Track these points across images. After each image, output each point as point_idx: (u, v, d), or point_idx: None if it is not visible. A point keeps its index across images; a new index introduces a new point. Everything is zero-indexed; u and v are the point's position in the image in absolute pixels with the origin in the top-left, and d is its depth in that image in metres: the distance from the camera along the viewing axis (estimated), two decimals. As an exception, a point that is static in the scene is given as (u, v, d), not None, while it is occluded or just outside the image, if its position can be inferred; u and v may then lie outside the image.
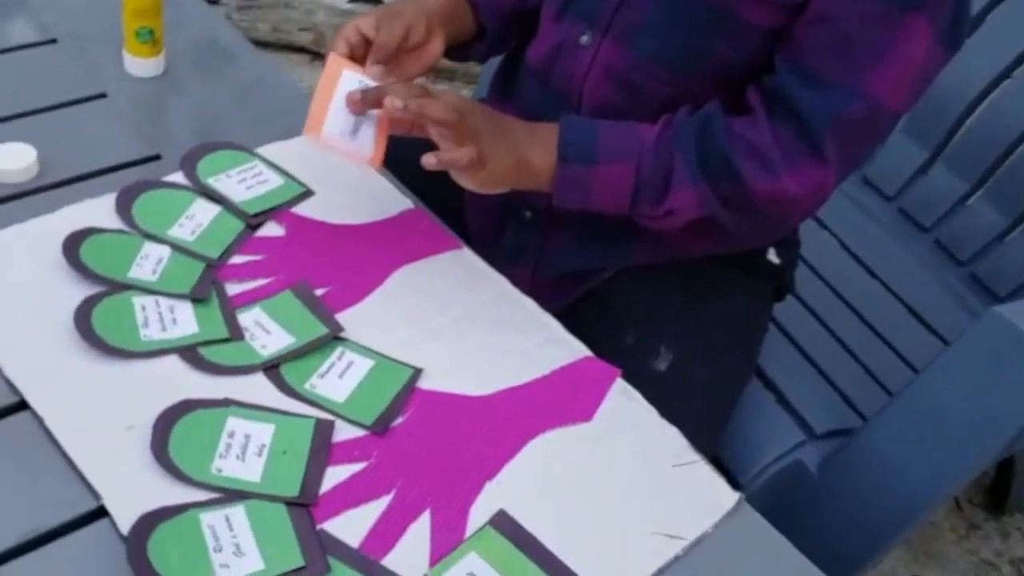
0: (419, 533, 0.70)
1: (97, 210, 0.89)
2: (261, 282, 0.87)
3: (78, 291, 0.81)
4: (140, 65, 1.08)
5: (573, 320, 0.94)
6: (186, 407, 0.74)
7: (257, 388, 0.77)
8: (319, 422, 0.75)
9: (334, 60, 0.89)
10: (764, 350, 1.08)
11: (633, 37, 0.91)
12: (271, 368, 0.79)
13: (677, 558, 0.73)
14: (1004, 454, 1.22)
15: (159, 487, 0.68)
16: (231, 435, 0.73)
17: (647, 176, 0.88)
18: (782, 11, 0.86)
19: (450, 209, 1.06)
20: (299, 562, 0.66)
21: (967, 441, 0.97)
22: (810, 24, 0.85)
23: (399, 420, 0.77)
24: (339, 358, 0.81)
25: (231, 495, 0.69)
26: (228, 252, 0.88)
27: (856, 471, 1.03)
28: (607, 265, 1.02)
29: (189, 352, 0.78)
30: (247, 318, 0.83)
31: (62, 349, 0.76)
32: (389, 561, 0.67)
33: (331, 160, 1.01)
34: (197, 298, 0.83)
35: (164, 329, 0.80)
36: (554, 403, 0.82)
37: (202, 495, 0.68)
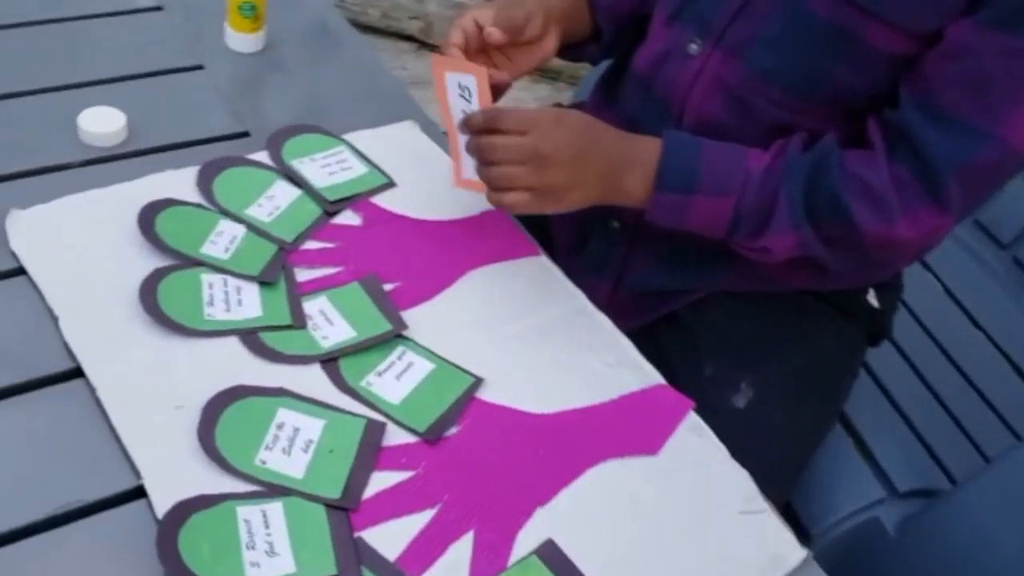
0: (460, 554, 0.66)
1: (178, 182, 0.88)
2: (331, 271, 0.84)
3: (148, 262, 0.80)
4: (240, 40, 1.07)
5: (650, 342, 0.90)
6: (239, 392, 0.72)
7: (312, 380, 0.75)
8: (370, 423, 0.72)
9: (436, 61, 0.85)
10: (852, 396, 1.02)
11: (747, 50, 0.85)
12: (329, 361, 0.76)
13: (732, 614, 0.68)
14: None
15: (200, 473, 0.66)
16: (280, 427, 0.70)
17: (747, 211, 0.84)
18: (912, 39, 0.79)
19: (534, 220, 1.03)
20: (332, 570, 0.63)
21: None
22: (944, 59, 0.78)
23: (453, 430, 0.74)
24: (399, 358, 0.78)
25: (272, 490, 0.66)
26: (302, 237, 0.86)
27: (940, 537, 0.95)
28: (692, 287, 0.96)
29: (250, 336, 0.77)
30: (312, 306, 0.80)
31: (123, 319, 0.75)
32: (425, 580, 0.64)
33: (418, 153, 0.99)
34: (265, 281, 0.81)
35: (228, 310, 0.78)
36: (619, 431, 0.78)
37: (242, 486, 0.66)
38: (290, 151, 0.94)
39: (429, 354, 0.79)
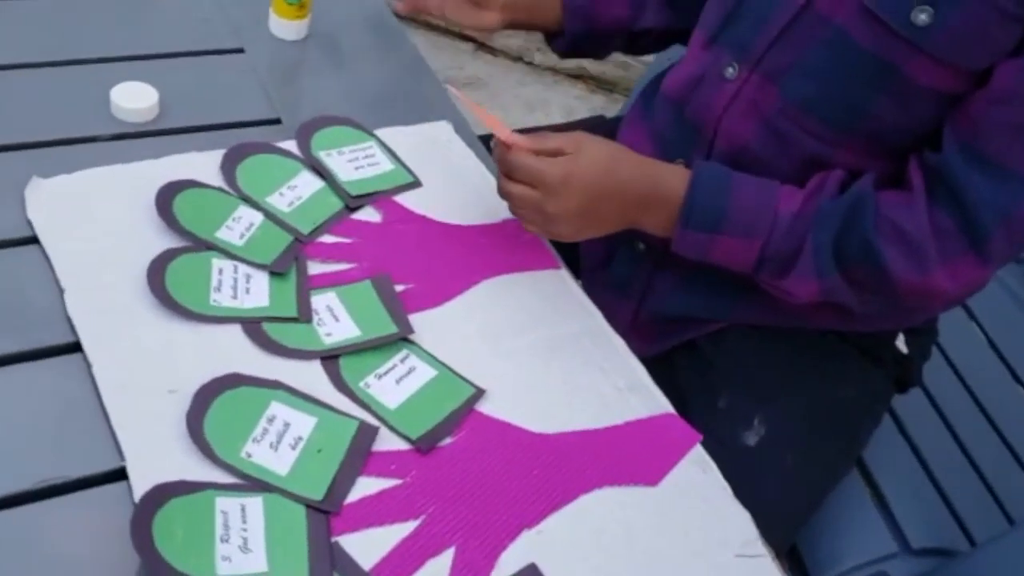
0: (439, 570, 0.64)
1: (202, 164, 0.88)
2: (344, 266, 0.83)
3: (161, 242, 0.79)
4: (284, 27, 1.06)
5: (666, 369, 0.87)
6: (233, 381, 0.71)
7: (310, 376, 0.73)
8: (362, 425, 0.71)
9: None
10: (872, 442, 0.98)
11: (784, 77, 0.82)
12: (330, 358, 0.75)
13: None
14: None
15: (184, 459, 0.65)
16: (270, 420, 0.69)
17: (772, 254, 0.82)
18: (959, 77, 0.76)
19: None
20: (303, 573, 0.61)
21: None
22: (990, 102, 0.75)
23: (447, 441, 0.72)
24: (402, 361, 0.76)
25: (254, 484, 0.65)
26: (319, 230, 0.85)
27: (951, 601, 0.92)
28: (714, 315, 0.94)
29: (253, 325, 0.75)
30: (320, 301, 0.79)
31: (128, 298, 0.74)
32: (398, 593, 0.62)
33: (449, 154, 0.98)
34: (276, 271, 0.80)
35: (235, 297, 0.77)
36: (621, 458, 0.75)
37: (224, 477, 0.65)
38: (319, 142, 0.93)
39: (433, 360, 0.77)
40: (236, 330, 0.75)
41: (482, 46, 2.54)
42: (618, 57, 2.48)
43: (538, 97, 2.46)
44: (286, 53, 1.06)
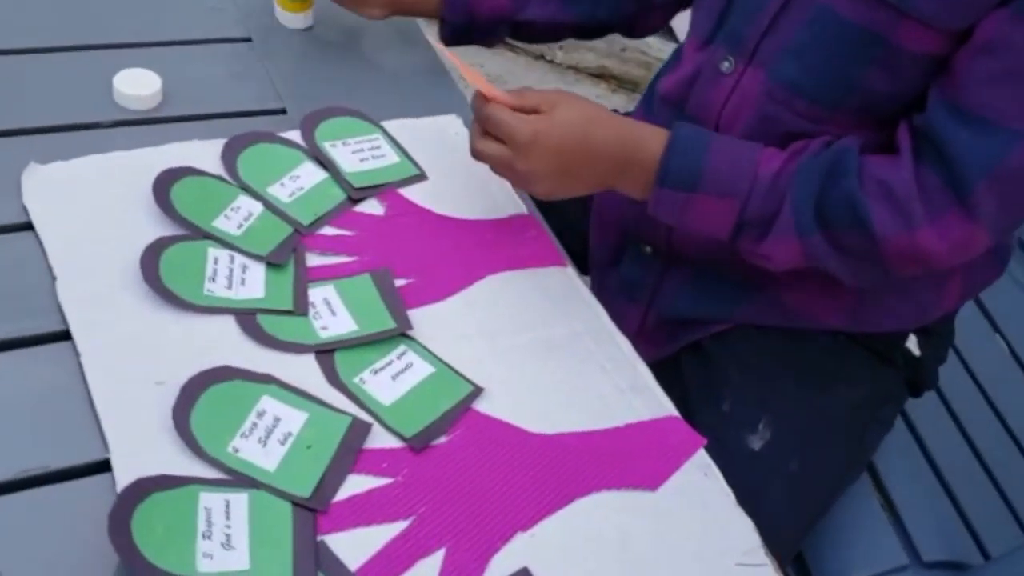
0: (427, 572, 0.62)
1: (203, 152, 0.86)
2: (344, 259, 0.81)
3: (156, 230, 0.78)
4: (286, 17, 1.05)
5: (671, 371, 0.85)
6: (223, 374, 0.69)
7: (304, 370, 0.72)
8: (355, 422, 0.69)
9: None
10: (884, 448, 0.95)
11: (776, 62, 0.81)
12: (325, 352, 0.73)
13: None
14: None
15: (168, 453, 0.64)
16: (260, 415, 0.67)
17: (751, 216, 0.79)
18: (945, 38, 0.74)
19: (572, 224, 0.99)
20: (287, 573, 0.59)
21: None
22: (974, 55, 0.73)
23: (441, 439, 0.70)
24: (399, 357, 0.74)
25: (239, 480, 0.63)
26: (320, 221, 0.84)
27: (965, 616, 0.89)
28: (721, 317, 0.91)
29: (247, 317, 0.74)
30: (317, 294, 0.77)
31: (120, 286, 0.73)
32: (385, 595, 0.60)
33: (456, 148, 0.96)
34: (273, 262, 0.78)
35: (230, 287, 0.76)
36: (620, 460, 0.73)
37: (210, 472, 0.63)
38: (324, 133, 0.92)
39: (431, 357, 0.75)
40: (229, 321, 0.73)
41: (503, 43, 2.52)
42: (640, 56, 2.45)
43: (558, 95, 2.44)
44: (294, 43, 1.05)
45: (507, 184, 0.93)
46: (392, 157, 0.92)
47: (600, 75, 2.50)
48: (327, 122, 0.93)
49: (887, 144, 0.80)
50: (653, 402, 0.78)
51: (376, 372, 0.73)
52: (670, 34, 2.47)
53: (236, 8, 1.06)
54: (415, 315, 0.78)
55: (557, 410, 0.75)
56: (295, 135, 0.91)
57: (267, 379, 0.70)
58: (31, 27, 0.95)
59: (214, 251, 0.77)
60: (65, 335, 0.70)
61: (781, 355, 0.89)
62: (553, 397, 0.76)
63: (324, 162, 0.89)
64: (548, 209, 0.92)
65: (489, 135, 0.80)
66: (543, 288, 0.85)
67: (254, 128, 0.90)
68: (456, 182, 0.92)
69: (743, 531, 0.71)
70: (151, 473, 0.62)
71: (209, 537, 0.60)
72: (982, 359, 1.18)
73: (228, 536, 0.60)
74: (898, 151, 0.77)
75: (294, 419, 0.68)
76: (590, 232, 1.02)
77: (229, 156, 0.86)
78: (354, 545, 0.62)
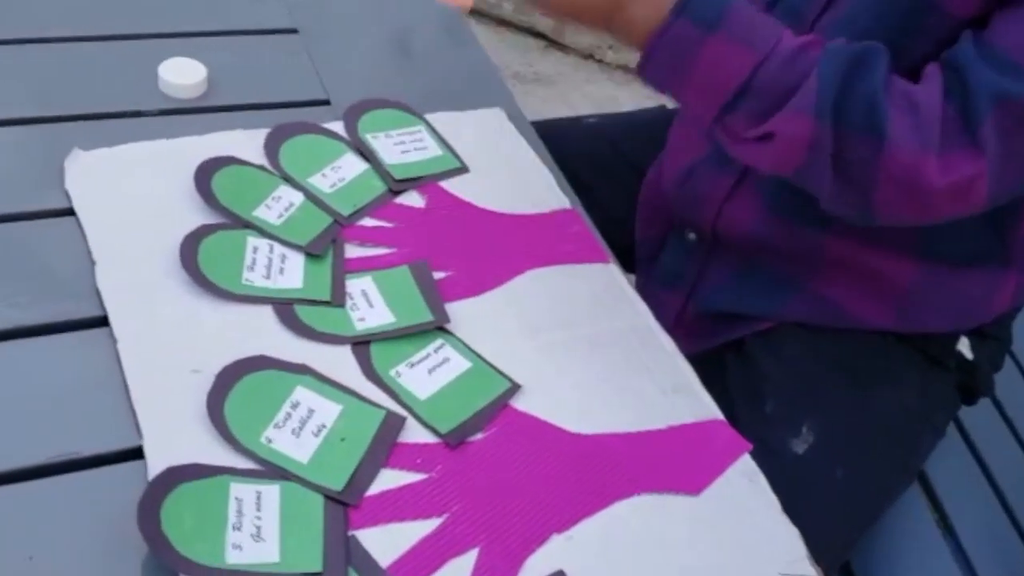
0: (459, 572, 0.61)
1: (245, 141, 0.86)
2: (383, 251, 0.80)
3: (196, 218, 0.77)
4: None
5: (714, 370, 0.83)
6: (258, 363, 0.68)
7: (340, 361, 0.71)
8: (389, 415, 0.67)
9: None
10: (936, 456, 0.91)
11: (829, 36, 0.77)
12: (361, 344, 0.72)
13: None
14: None
15: (201, 442, 0.63)
16: (294, 406, 0.66)
17: (763, 82, 0.71)
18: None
19: (618, 220, 0.97)
20: (317, 566, 0.58)
21: None
22: (1005, 8, 0.71)
23: (478, 436, 0.68)
24: (436, 351, 0.73)
25: (272, 471, 0.62)
26: (360, 212, 0.83)
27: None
28: (765, 312, 0.89)
29: (284, 307, 0.73)
30: (355, 285, 0.76)
31: (159, 274, 0.73)
32: (415, 594, 0.59)
33: (499, 141, 0.95)
34: (312, 253, 0.77)
35: (268, 277, 0.75)
36: (663, 464, 0.71)
37: (242, 462, 0.62)
38: (366, 124, 0.91)
39: (468, 351, 0.74)
40: (267, 311, 0.73)
41: (552, 43, 2.50)
42: (691, 56, 2.41)
43: (607, 95, 2.42)
44: (340, 35, 1.04)
45: (550, 178, 0.91)
46: (434, 150, 0.91)
47: (650, 76, 2.47)
48: (370, 114, 0.92)
49: None
50: (697, 404, 0.76)
51: (412, 365, 0.72)
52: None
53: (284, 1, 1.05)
54: (453, 309, 0.76)
55: (597, 409, 0.73)
56: (338, 126, 0.90)
57: (302, 370, 0.69)
58: (78, 15, 0.96)
59: (254, 240, 0.77)
60: (103, 321, 0.70)
61: (826, 355, 0.86)
62: (593, 396, 0.74)
63: (366, 153, 0.88)
64: (592, 204, 0.90)
65: None
66: (585, 284, 0.83)
67: (297, 119, 0.90)
68: (498, 176, 0.90)
69: (788, 540, 0.69)
70: (183, 461, 0.61)
71: (239, 528, 0.59)
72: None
73: (258, 528, 0.59)
74: (926, 78, 0.73)
75: (328, 411, 0.67)
76: (636, 227, 1.00)
77: (272, 146, 0.86)
78: (385, 541, 0.61)
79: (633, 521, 0.67)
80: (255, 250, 0.76)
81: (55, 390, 0.65)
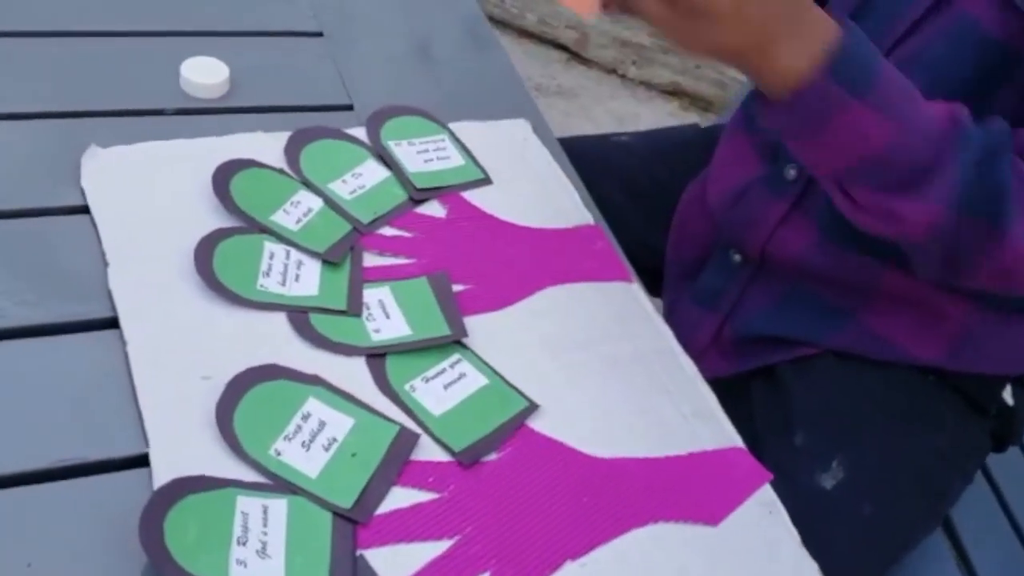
0: (469, 595, 0.59)
1: (266, 144, 0.84)
2: (402, 261, 0.78)
3: (213, 221, 0.76)
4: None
5: (740, 394, 0.80)
6: (270, 372, 0.66)
7: (353, 373, 0.69)
8: (402, 431, 0.65)
9: None
10: (963, 503, 0.88)
11: (906, 71, 0.75)
12: (376, 356, 0.70)
13: None
14: None
15: (208, 451, 0.61)
16: (305, 418, 0.64)
17: (899, 157, 0.66)
18: None
19: (644, 241, 0.95)
20: (322, 585, 0.56)
21: None
22: None
23: (492, 456, 0.66)
24: (452, 366, 0.71)
25: (279, 485, 0.60)
26: (379, 221, 0.81)
27: None
28: (804, 338, 0.86)
29: (299, 315, 0.71)
30: (372, 295, 0.74)
31: (173, 276, 0.71)
32: (423, 618, 0.57)
33: (523, 153, 0.93)
34: (329, 260, 0.76)
35: (284, 284, 0.73)
36: (681, 491, 0.69)
37: (249, 475, 0.61)
38: (389, 131, 0.89)
39: (485, 368, 0.72)
40: (280, 319, 0.71)
41: (575, 56, 2.49)
42: (714, 74, 2.40)
43: (629, 111, 2.40)
44: (365, 40, 1.02)
45: (574, 193, 0.89)
46: (457, 159, 0.89)
47: (673, 92, 2.46)
48: (393, 120, 0.91)
49: None
50: (718, 431, 0.74)
51: (427, 380, 0.70)
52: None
53: (308, 2, 1.04)
54: (471, 323, 0.75)
55: (616, 433, 0.71)
56: (360, 132, 0.89)
57: (315, 380, 0.67)
58: (102, 9, 0.94)
59: (270, 245, 0.75)
60: (113, 322, 0.68)
61: (864, 390, 0.84)
62: (612, 418, 0.72)
63: (388, 161, 0.86)
64: (619, 224, 0.88)
65: None
66: (607, 303, 0.81)
67: (320, 123, 0.88)
68: (522, 189, 0.88)
69: (807, 574, 0.66)
70: (189, 471, 0.59)
71: (244, 544, 0.57)
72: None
73: (264, 544, 0.57)
74: None
75: (340, 424, 0.65)
76: (667, 248, 0.98)
77: (292, 150, 0.84)
78: (394, 562, 0.59)
79: (650, 550, 0.65)
80: (271, 256, 0.74)
81: (62, 391, 0.63)
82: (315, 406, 0.65)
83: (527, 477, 0.66)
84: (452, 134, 0.92)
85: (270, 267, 0.74)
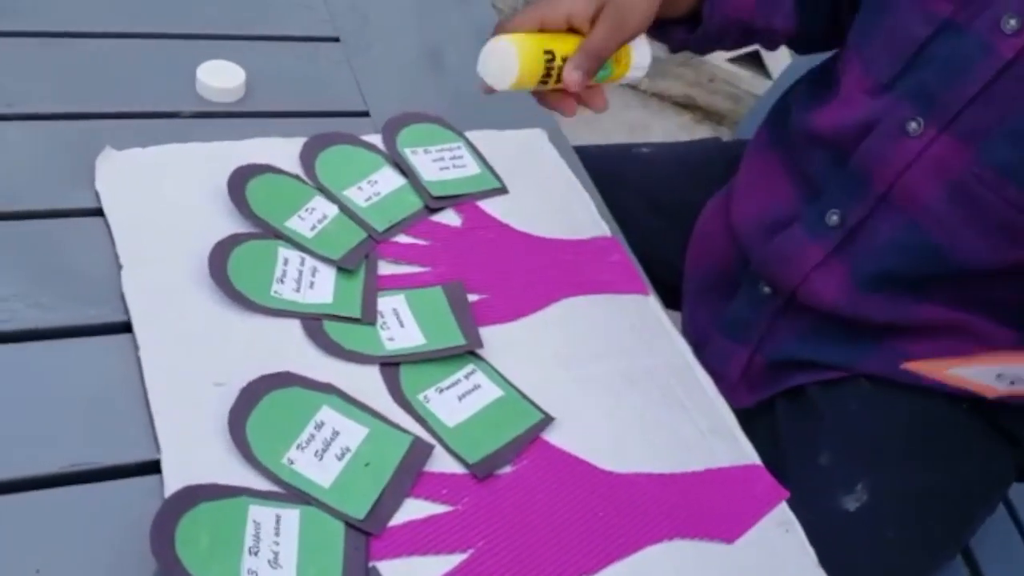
0: (482, 611, 0.58)
1: (282, 149, 0.83)
2: (416, 269, 0.78)
3: (228, 225, 0.75)
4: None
5: (764, 412, 0.79)
6: (284, 380, 0.65)
7: (367, 382, 0.68)
8: (416, 442, 0.65)
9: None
10: (984, 533, 0.87)
11: (984, 141, 0.73)
12: (390, 365, 0.69)
13: None
14: None
15: (220, 459, 0.60)
16: (318, 426, 0.64)
17: None
18: None
19: (662, 255, 0.94)
20: (334, 597, 0.55)
21: None
22: None
23: (507, 469, 0.66)
24: (466, 377, 0.70)
25: (292, 494, 0.60)
26: (395, 228, 0.80)
27: None
28: (835, 363, 0.85)
29: (313, 322, 0.70)
30: (386, 303, 0.74)
31: (187, 280, 0.70)
32: (435, 633, 0.56)
33: (540, 163, 0.92)
34: (344, 267, 0.75)
35: (298, 290, 0.72)
36: (698, 508, 0.68)
37: (261, 483, 0.60)
38: (405, 139, 0.89)
39: (500, 379, 0.71)
40: (294, 325, 0.70)
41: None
42: (728, 88, 2.39)
43: (641, 122, 2.40)
44: (382, 47, 1.02)
45: (591, 204, 0.88)
46: (473, 168, 0.88)
47: (685, 105, 2.45)
48: (409, 128, 0.90)
49: None
50: (735, 448, 0.73)
51: (441, 391, 0.69)
52: (761, 67, 2.41)
53: (326, 7, 1.03)
54: (486, 334, 0.74)
55: (632, 448, 0.70)
56: (376, 139, 0.88)
57: (328, 388, 0.66)
58: (119, 11, 0.94)
59: (285, 251, 0.74)
60: (126, 326, 0.67)
61: (893, 414, 0.82)
62: (628, 433, 0.71)
63: (404, 168, 0.86)
64: (637, 237, 0.87)
65: None
66: (623, 316, 0.80)
67: (335, 129, 0.88)
68: (538, 198, 0.88)
69: (825, 597, 0.65)
70: (201, 478, 0.58)
71: (256, 553, 0.56)
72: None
73: (276, 554, 0.56)
74: None
75: (353, 433, 0.64)
76: (685, 262, 0.97)
77: (308, 156, 0.83)
78: (407, 574, 0.58)
79: (666, 567, 0.64)
80: (286, 262, 0.74)
81: (73, 396, 0.63)
82: (329, 415, 0.64)
83: (542, 491, 0.65)
84: (468, 142, 0.91)
85: (284, 273, 0.73)
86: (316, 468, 0.61)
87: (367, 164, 0.85)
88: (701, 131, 2.43)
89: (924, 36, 0.76)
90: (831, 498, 0.79)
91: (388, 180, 0.84)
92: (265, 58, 0.94)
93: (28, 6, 0.91)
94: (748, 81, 2.39)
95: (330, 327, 0.70)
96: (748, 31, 0.90)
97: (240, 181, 0.78)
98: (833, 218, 0.82)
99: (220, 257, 0.72)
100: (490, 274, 0.79)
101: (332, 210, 0.80)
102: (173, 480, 0.58)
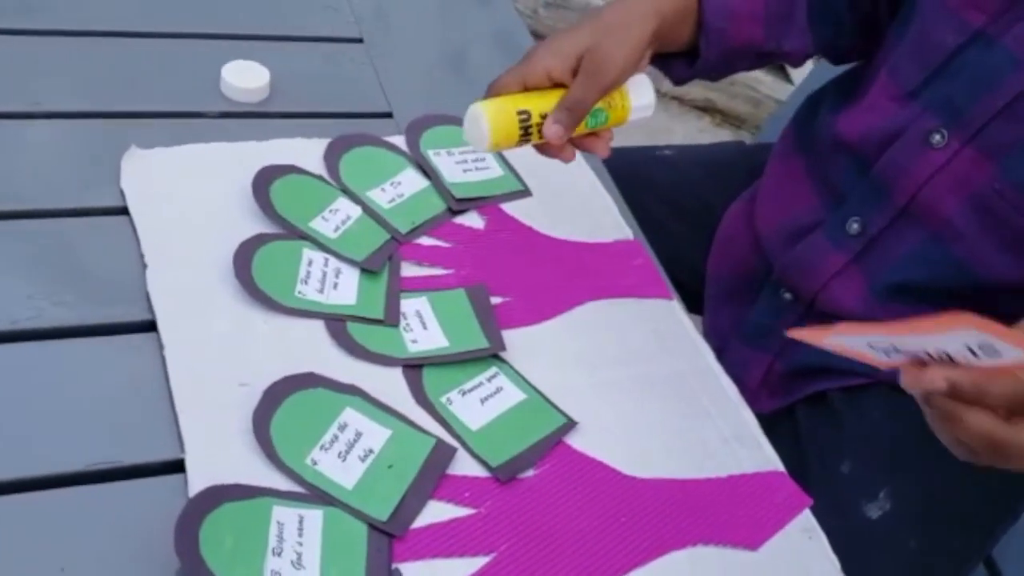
0: (504, 615, 0.58)
1: (306, 150, 0.84)
2: (439, 271, 0.77)
3: (252, 226, 0.75)
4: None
5: (786, 418, 0.78)
6: (308, 381, 0.65)
7: (390, 384, 0.68)
8: (439, 444, 0.64)
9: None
10: (1004, 543, 0.86)
11: (1007, 155, 0.72)
12: (413, 367, 0.69)
13: None
14: None
15: (244, 460, 0.60)
16: (342, 427, 0.64)
17: None
18: None
19: (685, 259, 0.94)
20: (357, 599, 0.55)
21: None
22: None
23: (529, 473, 0.65)
24: (489, 380, 0.70)
25: (315, 495, 0.60)
26: (418, 230, 0.80)
27: None
28: (860, 369, 0.84)
29: (337, 323, 0.70)
30: (409, 305, 0.74)
31: (211, 280, 0.70)
32: (458, 636, 0.56)
33: (562, 165, 0.91)
34: (368, 269, 0.75)
35: (322, 291, 0.72)
36: (720, 514, 0.67)
37: (285, 484, 0.60)
38: (429, 140, 0.89)
39: (523, 383, 0.71)
40: (318, 326, 0.70)
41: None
42: (749, 92, 2.38)
43: (661, 126, 2.39)
44: (406, 48, 1.02)
45: (614, 207, 0.88)
46: (496, 170, 0.88)
47: (705, 108, 2.44)
48: (432, 129, 0.90)
49: None
50: (758, 454, 0.72)
51: (464, 394, 0.69)
52: (782, 71, 2.40)
53: (350, 8, 1.04)
54: (509, 336, 0.74)
55: (655, 453, 0.70)
56: (399, 140, 0.88)
57: (352, 390, 0.66)
58: (145, 10, 0.94)
59: (309, 252, 0.74)
60: (151, 325, 0.68)
61: (916, 422, 0.81)
62: (651, 438, 0.71)
63: (427, 170, 0.85)
64: (660, 241, 0.87)
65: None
66: (646, 320, 0.79)
67: (359, 130, 0.88)
68: (561, 201, 0.87)
69: (850, 605, 0.65)
70: (225, 478, 0.58)
71: (279, 554, 0.56)
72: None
73: (299, 555, 0.56)
74: None
75: (377, 435, 0.64)
76: (708, 266, 0.96)
77: (331, 157, 0.84)
78: (429, 578, 0.58)
79: (688, 573, 0.63)
80: (310, 263, 0.74)
81: (98, 394, 0.63)
82: (352, 416, 0.64)
83: (564, 495, 0.65)
84: (492, 145, 0.91)
85: (308, 274, 0.73)
86: (339, 469, 0.61)
87: (390, 165, 0.85)
88: (721, 135, 2.42)
89: (954, 45, 0.75)
90: (853, 505, 0.79)
91: (411, 182, 0.84)
92: (289, 59, 0.94)
93: (54, 5, 0.92)
94: (769, 85, 2.38)
95: (353, 328, 0.70)
96: (761, 55, 0.89)
97: (264, 182, 0.78)
98: (854, 226, 0.81)
99: (245, 257, 0.72)
100: (513, 277, 0.79)
101: (356, 211, 0.80)
102: (197, 480, 0.58)
